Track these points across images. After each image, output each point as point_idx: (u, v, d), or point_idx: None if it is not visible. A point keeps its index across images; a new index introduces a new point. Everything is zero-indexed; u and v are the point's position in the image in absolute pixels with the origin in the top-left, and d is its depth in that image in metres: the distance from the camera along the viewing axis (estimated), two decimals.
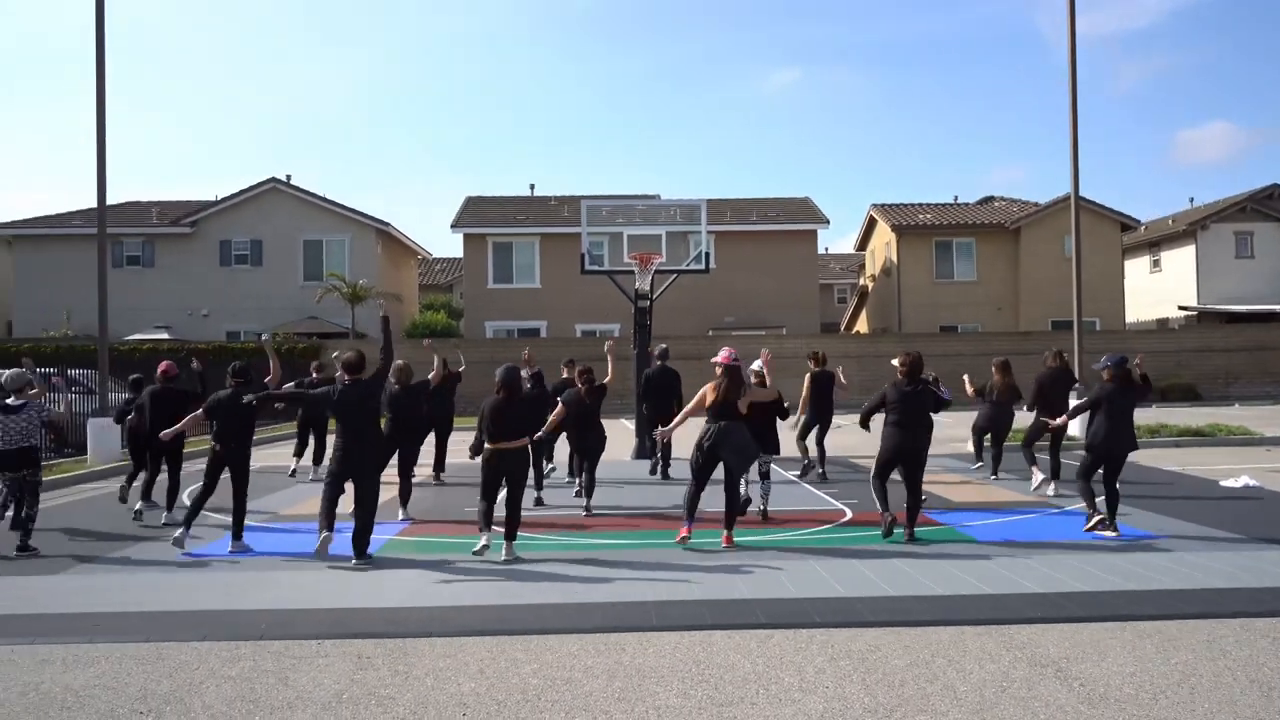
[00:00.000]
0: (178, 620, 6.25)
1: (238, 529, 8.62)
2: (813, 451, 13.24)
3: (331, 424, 10.54)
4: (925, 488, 11.06)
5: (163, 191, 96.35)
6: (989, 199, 42.98)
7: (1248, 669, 5.02)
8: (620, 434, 19.07)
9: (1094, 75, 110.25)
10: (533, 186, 41.83)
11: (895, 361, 9.00)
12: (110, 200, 17.73)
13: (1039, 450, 12.12)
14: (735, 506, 8.59)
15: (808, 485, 12.36)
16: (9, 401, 8.77)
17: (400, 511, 10.13)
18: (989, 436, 13.13)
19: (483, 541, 7.97)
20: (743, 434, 8.43)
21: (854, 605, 6.34)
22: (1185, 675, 4.94)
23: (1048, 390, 11.56)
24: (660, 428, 12.50)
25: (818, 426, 13.15)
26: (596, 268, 17.82)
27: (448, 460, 13.37)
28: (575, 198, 33.47)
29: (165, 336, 31.88)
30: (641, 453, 15.46)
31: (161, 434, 9.44)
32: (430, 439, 12.24)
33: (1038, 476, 11.53)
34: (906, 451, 8.64)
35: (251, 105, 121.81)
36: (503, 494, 8.12)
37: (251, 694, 4.85)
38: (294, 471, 14.00)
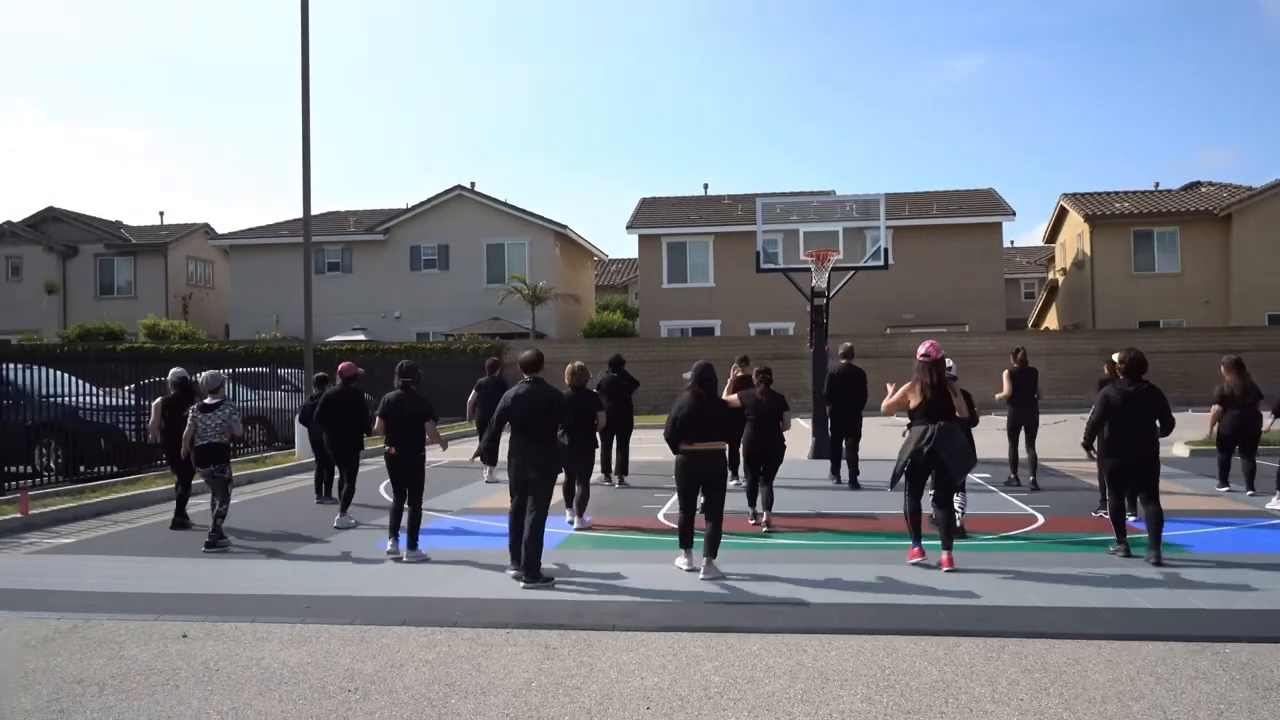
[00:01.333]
0: (379, 605, 6.64)
1: (413, 538, 8.30)
2: (1023, 454, 12.14)
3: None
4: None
5: (358, 200, 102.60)
6: (1194, 184, 39.95)
7: None
8: (798, 433, 18.89)
9: None
10: (706, 186, 42.01)
11: (1115, 357, 8.19)
12: (313, 210, 18.98)
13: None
14: (953, 521, 7.77)
15: (998, 490, 11.82)
16: (206, 401, 9.34)
17: (566, 514, 9.88)
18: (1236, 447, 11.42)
19: (682, 563, 7.54)
20: (961, 436, 7.72)
21: (1049, 615, 6.05)
22: None
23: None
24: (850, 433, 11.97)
25: (1022, 429, 12.11)
26: (771, 266, 17.73)
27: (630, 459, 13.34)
28: (749, 196, 33.42)
29: (361, 338, 33.86)
30: (819, 451, 15.20)
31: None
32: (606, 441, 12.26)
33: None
34: (1139, 464, 7.70)
35: (437, 116, 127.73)
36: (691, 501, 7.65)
37: (448, 677, 5.10)
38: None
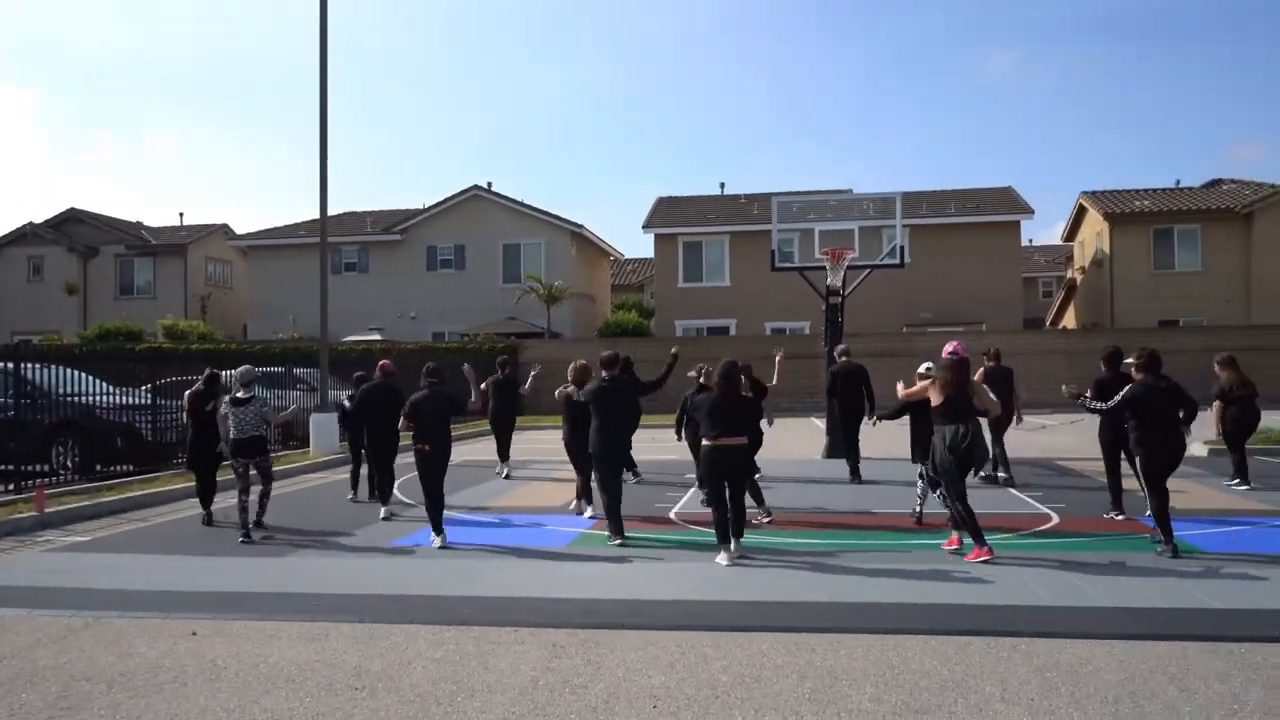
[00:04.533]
0: (388, 603, 6.65)
1: (437, 524, 8.80)
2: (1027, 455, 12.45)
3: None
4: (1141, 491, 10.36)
5: (376, 201, 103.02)
6: (1216, 182, 39.54)
7: None
8: (812, 432, 18.82)
9: None
10: (722, 185, 41.91)
11: (1129, 360, 8.26)
12: (330, 211, 19.07)
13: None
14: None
15: (1013, 490, 11.73)
16: (239, 395, 9.67)
17: (574, 503, 10.42)
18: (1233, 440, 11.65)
19: (724, 559, 7.62)
20: (983, 434, 7.96)
21: (1061, 615, 5.98)
22: None
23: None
24: (858, 422, 12.18)
25: (992, 426, 12.16)
26: (787, 264, 17.66)
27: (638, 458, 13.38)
28: (765, 195, 33.27)
29: (378, 337, 33.97)
30: (833, 451, 15.14)
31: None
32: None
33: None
34: (1176, 459, 7.82)
35: (454, 115, 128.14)
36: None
37: (455, 675, 5.09)
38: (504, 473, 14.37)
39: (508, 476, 13.88)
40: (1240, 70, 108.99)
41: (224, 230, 42.89)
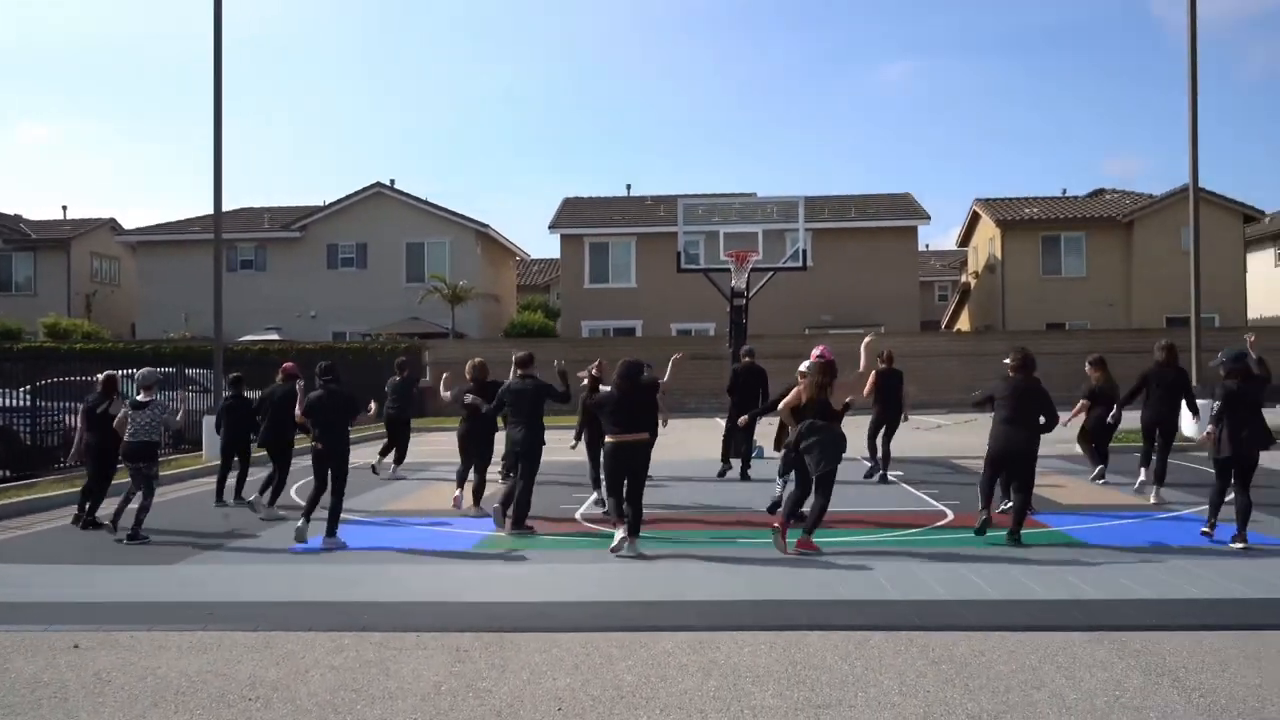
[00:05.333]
0: (285, 610, 6.46)
1: (332, 525, 8.68)
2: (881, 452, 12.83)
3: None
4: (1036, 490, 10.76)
5: (274, 197, 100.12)
6: (1099, 192, 41.39)
7: None
8: (716, 432, 19.00)
9: (1218, 58, 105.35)
10: (629, 187, 42.22)
11: (1007, 361, 8.70)
12: (225, 207, 18.48)
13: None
14: (824, 508, 8.23)
15: (907, 485, 12.08)
16: (138, 398, 9.38)
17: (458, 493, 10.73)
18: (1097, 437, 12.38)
19: (620, 535, 7.98)
20: (832, 430, 8.25)
21: (956, 609, 6.17)
22: None
23: (1154, 388, 10.83)
24: (742, 419, 12.57)
25: (885, 426, 12.77)
26: (692, 266, 17.82)
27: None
28: (672, 197, 33.52)
29: (275, 337, 33.06)
30: (734, 452, 15.34)
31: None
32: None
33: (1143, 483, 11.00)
34: (1016, 450, 8.37)
35: (356, 113, 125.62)
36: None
37: (355, 683, 4.97)
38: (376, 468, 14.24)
39: (386, 476, 13.87)
40: (1120, 85, 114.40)
41: (111, 225, 41.16)
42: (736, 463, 13.32)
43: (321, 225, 36.60)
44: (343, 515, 8.91)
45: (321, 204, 37.95)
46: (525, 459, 9.09)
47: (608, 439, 8.25)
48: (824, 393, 8.27)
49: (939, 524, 9.44)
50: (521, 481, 9.08)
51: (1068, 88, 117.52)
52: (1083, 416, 12.17)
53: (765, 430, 12.92)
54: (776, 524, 8.19)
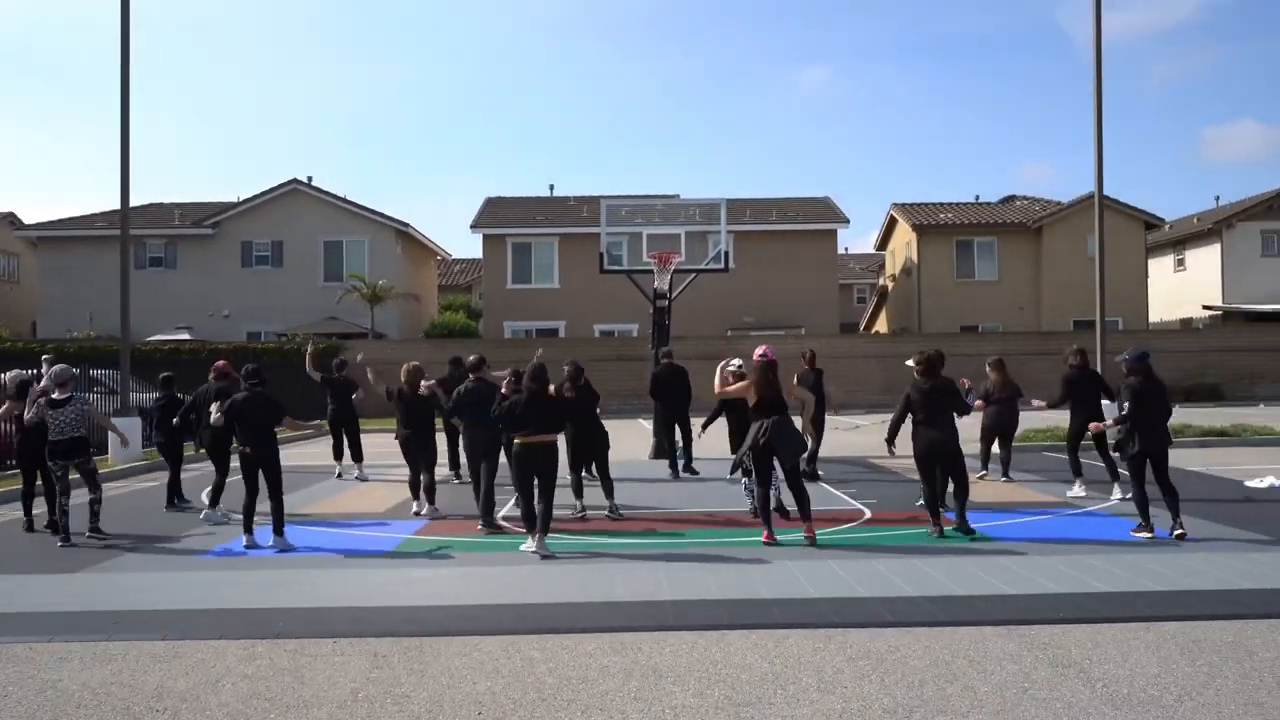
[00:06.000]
0: (196, 618, 6.27)
1: (278, 525, 8.62)
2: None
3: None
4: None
5: (186, 193, 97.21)
6: (1011, 198, 42.65)
7: (1274, 671, 4.93)
8: (640, 433, 19.04)
9: (1122, 73, 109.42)
10: (552, 187, 42.04)
11: (910, 362, 9.01)
12: (133, 202, 17.87)
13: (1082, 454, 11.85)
14: (805, 496, 8.54)
15: (826, 485, 12.27)
16: (55, 396, 9.18)
17: (416, 506, 10.61)
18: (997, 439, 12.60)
19: (529, 546, 8.16)
20: (792, 426, 8.51)
21: (873, 605, 6.28)
22: (1210, 677, 4.86)
23: (1080, 390, 11.19)
24: (679, 425, 12.67)
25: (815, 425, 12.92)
26: (615, 267, 17.80)
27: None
28: (595, 198, 33.47)
29: (186, 337, 32.10)
30: (659, 453, 15.40)
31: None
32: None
33: (1079, 485, 11.12)
34: (942, 448, 8.59)
35: (275, 109, 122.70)
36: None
37: (268, 692, 4.85)
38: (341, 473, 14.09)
39: (341, 476, 13.86)
40: (1029, 95, 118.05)
41: (10, 219, 39.50)
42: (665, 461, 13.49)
43: (235, 222, 35.65)
44: (257, 518, 8.77)
45: (236, 200, 36.98)
46: (491, 457, 9.48)
47: (516, 440, 8.32)
48: (772, 388, 8.51)
49: (857, 523, 9.60)
50: (485, 481, 9.43)
51: (982, 96, 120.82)
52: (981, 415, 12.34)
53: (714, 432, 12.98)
54: (765, 539, 8.34)
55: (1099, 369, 16.42)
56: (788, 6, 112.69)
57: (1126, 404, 8.69)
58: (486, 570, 7.67)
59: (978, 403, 12.03)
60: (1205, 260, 38.98)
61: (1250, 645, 5.36)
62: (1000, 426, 12.36)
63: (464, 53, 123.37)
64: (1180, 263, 40.78)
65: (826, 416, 13.63)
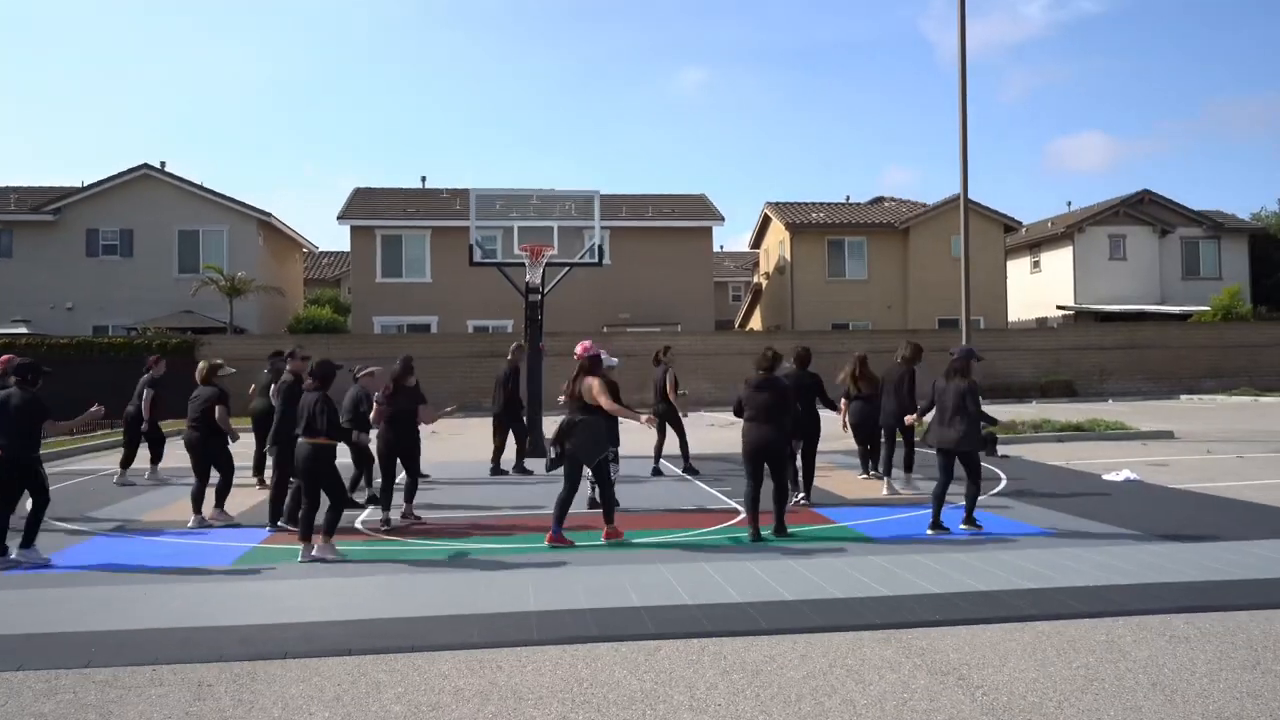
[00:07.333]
0: None
1: (29, 534, 7.86)
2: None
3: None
4: (819, 484, 10.97)
5: (24, 177, 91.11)
6: (879, 199, 43.73)
7: (1148, 670, 4.85)
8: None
9: (981, 82, 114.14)
10: (424, 179, 40.71)
11: (764, 354, 8.93)
12: None
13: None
14: (610, 497, 8.49)
15: (700, 484, 12.05)
16: None
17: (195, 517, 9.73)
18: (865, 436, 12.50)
19: (313, 552, 7.84)
20: (587, 427, 8.19)
21: (748, 611, 6.00)
22: (1088, 680, 4.73)
23: (897, 386, 11.30)
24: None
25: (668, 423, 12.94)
26: (486, 260, 17.25)
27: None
28: (467, 190, 32.65)
29: (24, 330, 29.88)
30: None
31: None
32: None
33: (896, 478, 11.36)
34: (763, 446, 8.45)
35: (127, 93, 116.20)
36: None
37: None
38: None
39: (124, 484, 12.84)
40: (895, 99, 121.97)
41: None
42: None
43: (80, 208, 33.37)
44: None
45: (80, 185, 34.60)
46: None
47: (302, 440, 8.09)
48: (573, 386, 8.36)
49: (730, 523, 9.36)
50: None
51: (851, 100, 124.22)
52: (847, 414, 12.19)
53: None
54: (549, 540, 8.15)
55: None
56: (659, 8, 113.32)
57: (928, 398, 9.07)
58: (336, 581, 7.04)
59: (843, 402, 11.98)
60: (1059, 262, 40.85)
61: (1123, 645, 5.29)
62: (865, 424, 12.16)
63: (331, 40, 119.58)
64: (1036, 264, 42.62)
65: (688, 414, 13.57)
